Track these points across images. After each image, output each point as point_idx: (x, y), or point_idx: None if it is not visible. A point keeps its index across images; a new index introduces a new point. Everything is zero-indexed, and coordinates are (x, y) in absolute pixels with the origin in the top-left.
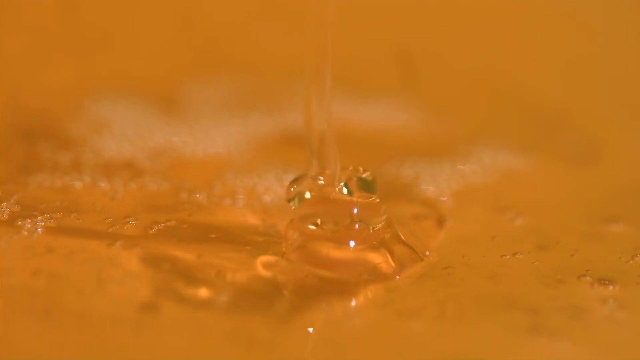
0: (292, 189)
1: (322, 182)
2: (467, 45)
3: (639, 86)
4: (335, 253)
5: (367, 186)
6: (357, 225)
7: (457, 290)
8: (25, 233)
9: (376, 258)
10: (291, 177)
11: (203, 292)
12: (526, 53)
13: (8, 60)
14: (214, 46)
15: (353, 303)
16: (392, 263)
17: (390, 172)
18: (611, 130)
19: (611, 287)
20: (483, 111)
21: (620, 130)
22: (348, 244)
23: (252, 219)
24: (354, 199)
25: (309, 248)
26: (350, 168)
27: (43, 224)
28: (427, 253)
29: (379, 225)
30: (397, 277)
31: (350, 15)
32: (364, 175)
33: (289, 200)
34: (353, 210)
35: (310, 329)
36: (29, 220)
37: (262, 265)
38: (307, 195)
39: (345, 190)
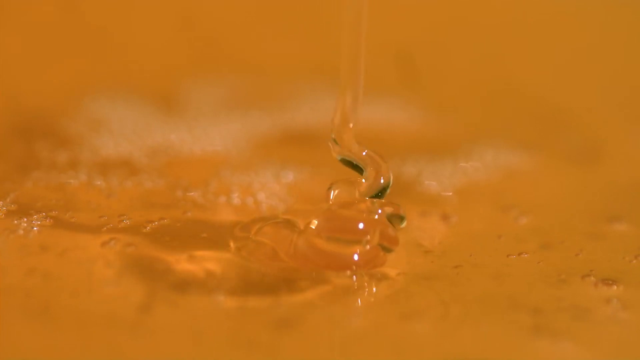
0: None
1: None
2: (467, 44)
3: None
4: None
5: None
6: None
7: (461, 290)
8: (21, 232)
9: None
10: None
11: (199, 292)
12: (527, 52)
13: (7, 59)
14: (213, 46)
15: (355, 303)
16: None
17: (392, 171)
18: (614, 129)
19: (615, 287)
20: (484, 110)
21: (623, 129)
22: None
23: (245, 218)
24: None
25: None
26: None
27: (39, 222)
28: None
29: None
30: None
31: None
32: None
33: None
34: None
35: (311, 330)
36: (25, 219)
37: (261, 264)
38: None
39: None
